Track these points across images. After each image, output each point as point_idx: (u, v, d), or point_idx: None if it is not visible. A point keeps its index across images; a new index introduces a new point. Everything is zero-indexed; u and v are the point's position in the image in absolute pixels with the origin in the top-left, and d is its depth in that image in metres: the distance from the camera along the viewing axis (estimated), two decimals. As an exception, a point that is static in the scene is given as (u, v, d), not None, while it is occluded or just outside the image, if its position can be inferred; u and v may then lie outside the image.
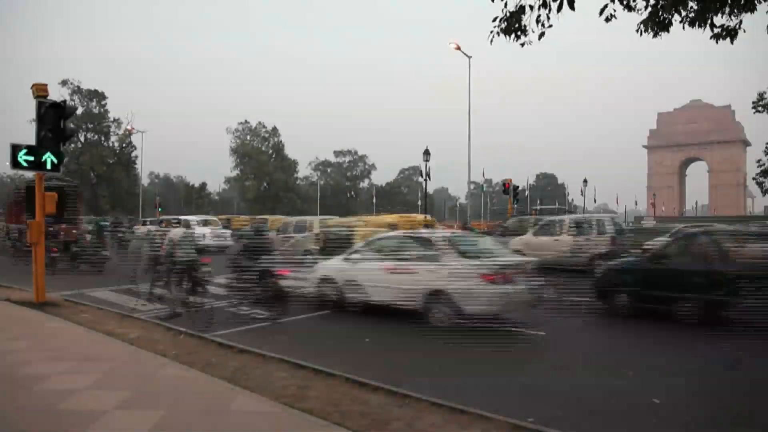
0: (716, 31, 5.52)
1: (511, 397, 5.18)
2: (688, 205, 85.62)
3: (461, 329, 7.68)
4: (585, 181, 49.29)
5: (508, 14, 5.79)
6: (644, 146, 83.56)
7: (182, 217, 26.28)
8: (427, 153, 28.45)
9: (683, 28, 5.58)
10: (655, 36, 5.75)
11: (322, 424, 4.04)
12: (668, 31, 5.72)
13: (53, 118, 8.95)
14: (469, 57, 29.65)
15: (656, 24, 5.64)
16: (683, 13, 5.50)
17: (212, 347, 6.46)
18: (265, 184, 77.12)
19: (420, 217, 20.43)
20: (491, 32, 5.95)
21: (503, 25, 5.86)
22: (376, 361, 6.53)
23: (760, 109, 30.33)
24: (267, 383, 5.00)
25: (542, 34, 5.75)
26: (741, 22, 5.46)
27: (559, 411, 4.72)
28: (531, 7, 5.63)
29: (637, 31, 5.82)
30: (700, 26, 5.46)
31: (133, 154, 64.58)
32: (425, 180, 29.08)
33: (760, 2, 5.24)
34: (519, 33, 5.83)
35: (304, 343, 7.38)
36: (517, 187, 31.81)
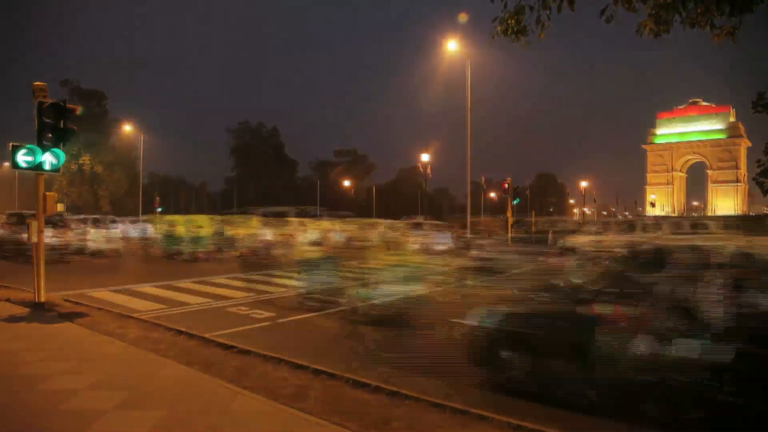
0: (716, 31, 5.52)
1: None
2: (688, 205, 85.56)
3: None
4: (585, 180, 49.40)
5: (507, 15, 5.78)
6: (644, 146, 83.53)
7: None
8: (426, 152, 28.51)
9: (684, 28, 5.57)
10: (655, 37, 5.74)
11: (321, 424, 4.04)
12: (669, 32, 5.71)
13: (53, 119, 8.96)
14: (468, 56, 29.62)
15: (657, 24, 5.63)
16: (684, 14, 5.49)
17: (212, 347, 6.46)
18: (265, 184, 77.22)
19: None
20: (491, 32, 5.95)
21: (503, 26, 5.85)
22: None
23: (760, 109, 30.35)
24: (267, 383, 5.01)
25: (542, 35, 5.74)
26: (740, 22, 5.45)
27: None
28: (531, 8, 5.63)
29: (637, 31, 5.81)
30: (701, 27, 5.46)
31: (132, 154, 64.53)
32: (424, 179, 29.11)
33: (761, 2, 5.23)
34: (519, 33, 5.82)
35: (304, 343, 7.39)
36: (517, 186, 31.82)
